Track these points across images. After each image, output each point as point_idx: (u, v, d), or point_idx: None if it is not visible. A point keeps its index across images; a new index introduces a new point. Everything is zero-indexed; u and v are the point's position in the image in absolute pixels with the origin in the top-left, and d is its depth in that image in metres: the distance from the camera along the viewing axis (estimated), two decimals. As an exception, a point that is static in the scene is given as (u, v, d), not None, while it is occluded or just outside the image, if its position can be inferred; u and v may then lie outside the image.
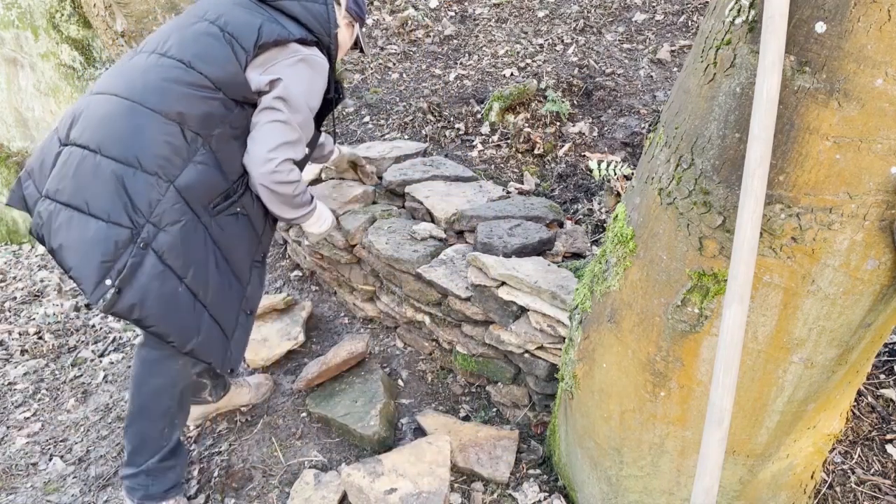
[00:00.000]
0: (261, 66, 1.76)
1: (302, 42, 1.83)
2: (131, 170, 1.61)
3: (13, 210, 5.17)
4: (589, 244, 2.38)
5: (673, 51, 3.72)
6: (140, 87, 1.67)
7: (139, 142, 1.63)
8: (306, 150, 1.92)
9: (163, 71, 1.69)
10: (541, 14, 4.36)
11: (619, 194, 2.70)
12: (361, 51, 2.25)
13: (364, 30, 2.18)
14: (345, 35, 2.07)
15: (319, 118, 2.08)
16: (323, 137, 2.47)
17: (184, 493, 2.03)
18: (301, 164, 1.95)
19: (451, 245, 2.50)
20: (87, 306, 3.65)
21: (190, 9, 1.88)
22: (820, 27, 0.98)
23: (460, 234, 2.55)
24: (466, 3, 4.65)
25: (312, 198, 2.01)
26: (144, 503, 1.94)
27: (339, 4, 1.99)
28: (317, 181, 3.03)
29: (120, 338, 3.20)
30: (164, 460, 1.94)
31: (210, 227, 1.75)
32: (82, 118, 1.69)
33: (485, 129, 3.33)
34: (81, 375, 2.91)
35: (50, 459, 2.39)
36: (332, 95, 2.06)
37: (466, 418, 2.36)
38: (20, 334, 3.37)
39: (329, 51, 1.94)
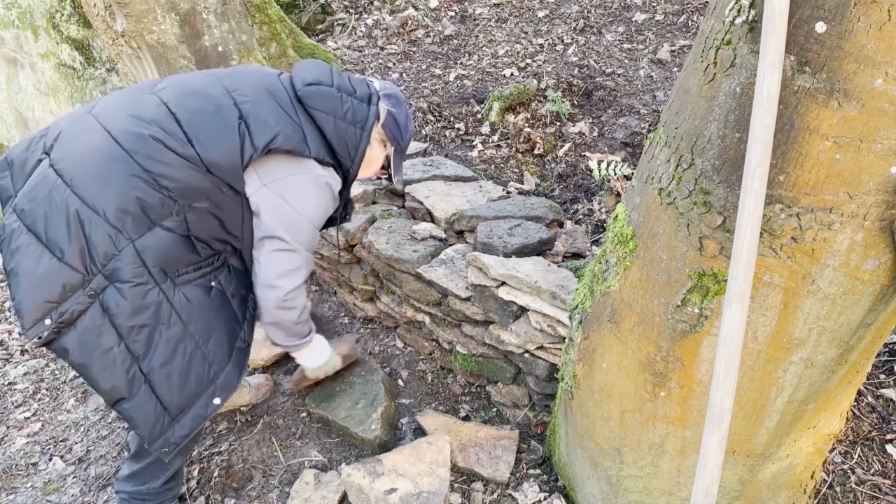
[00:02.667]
0: (265, 174, 1.65)
1: (318, 161, 1.71)
2: (95, 216, 1.51)
3: (13, 210, 5.16)
4: (589, 244, 2.38)
5: (673, 51, 3.72)
6: (131, 135, 1.56)
7: (110, 191, 1.52)
8: (312, 260, 1.83)
9: (160, 132, 1.57)
10: (541, 14, 4.36)
11: (619, 194, 2.70)
12: (389, 178, 2.01)
13: (402, 159, 1.98)
14: (375, 153, 1.90)
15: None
16: None
17: (175, 498, 2.02)
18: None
19: (451, 245, 2.50)
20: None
21: (228, 71, 1.76)
22: (820, 27, 0.98)
23: (460, 234, 2.55)
24: (466, 3, 4.65)
25: (311, 331, 1.94)
26: None
27: (377, 119, 1.83)
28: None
29: (120, 338, 3.19)
30: (167, 482, 1.92)
31: (171, 296, 1.62)
32: (69, 139, 1.60)
33: (485, 129, 3.33)
34: (81, 375, 2.90)
35: (50, 459, 2.39)
36: (339, 213, 1.93)
37: (466, 418, 2.36)
38: (20, 334, 3.37)
39: (348, 172, 1.82)
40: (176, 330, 1.63)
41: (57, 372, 2.97)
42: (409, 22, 4.46)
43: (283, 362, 2.66)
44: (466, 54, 4.08)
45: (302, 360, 2.05)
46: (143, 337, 1.59)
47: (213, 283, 1.71)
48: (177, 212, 1.58)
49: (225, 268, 1.76)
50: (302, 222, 1.70)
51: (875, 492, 1.85)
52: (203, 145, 1.58)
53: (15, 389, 2.85)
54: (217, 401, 1.73)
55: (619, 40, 3.93)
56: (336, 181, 1.76)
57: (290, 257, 1.71)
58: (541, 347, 2.12)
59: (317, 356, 2.08)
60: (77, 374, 2.91)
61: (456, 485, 2.05)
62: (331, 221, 1.93)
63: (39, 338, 1.52)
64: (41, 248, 1.52)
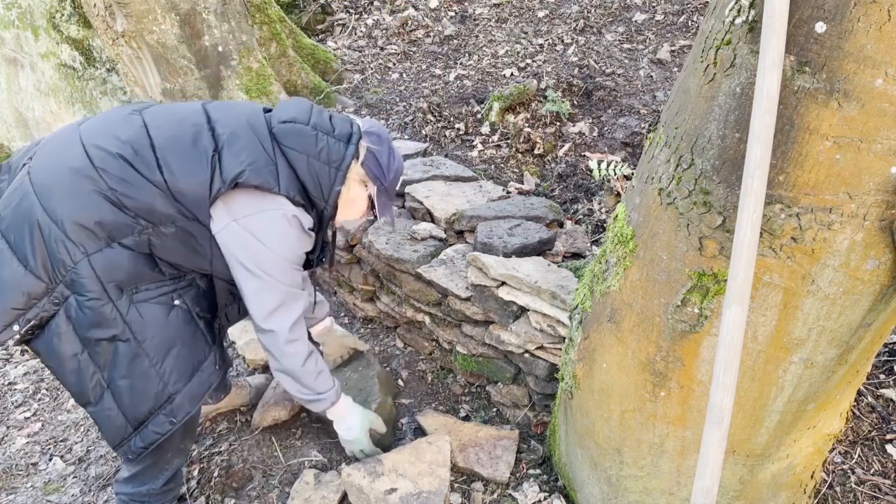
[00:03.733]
0: (235, 209, 1.60)
1: (288, 199, 1.64)
2: (55, 227, 1.52)
3: (13, 210, 5.16)
4: (589, 244, 2.38)
5: (673, 51, 3.72)
6: (102, 152, 1.56)
7: (72, 205, 1.53)
8: (304, 295, 1.77)
9: (131, 152, 1.56)
10: (541, 14, 4.36)
11: (619, 194, 2.70)
12: (375, 217, 1.88)
13: (391, 199, 1.87)
14: (355, 193, 1.80)
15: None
16: (317, 297, 2.23)
17: (175, 499, 2.01)
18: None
19: (451, 245, 2.50)
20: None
21: (220, 103, 1.75)
22: (820, 27, 0.98)
23: (460, 234, 2.55)
24: (466, 3, 4.65)
25: (329, 389, 1.86)
26: None
27: (356, 158, 1.74)
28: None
29: (120, 338, 3.19)
30: (167, 483, 1.90)
31: (125, 312, 1.59)
32: (48, 149, 1.62)
33: (485, 129, 3.33)
34: (81, 375, 2.90)
35: (50, 459, 2.39)
36: (315, 256, 1.85)
37: (466, 418, 2.36)
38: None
39: (322, 213, 1.76)
40: (131, 346, 1.61)
41: (57, 372, 2.97)
42: (409, 22, 4.46)
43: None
44: (466, 54, 4.08)
45: (336, 427, 1.99)
46: (102, 349, 1.59)
47: (176, 302, 1.68)
48: (139, 232, 1.57)
49: (193, 287, 1.72)
50: (276, 259, 1.64)
51: (875, 492, 1.85)
52: (173, 173, 1.56)
53: (15, 389, 2.85)
54: (173, 420, 1.69)
55: (619, 40, 3.93)
56: (306, 219, 1.70)
57: (271, 295, 1.66)
58: (541, 347, 2.12)
59: (346, 427, 1.99)
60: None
61: (456, 485, 2.05)
62: (308, 264, 1.86)
63: (10, 341, 1.55)
64: (10, 255, 1.53)
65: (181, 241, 1.62)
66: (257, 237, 1.61)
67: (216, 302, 1.80)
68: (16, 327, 1.54)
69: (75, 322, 1.56)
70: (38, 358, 1.62)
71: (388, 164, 1.78)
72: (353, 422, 2.01)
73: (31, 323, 1.54)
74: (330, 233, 1.91)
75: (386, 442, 2.23)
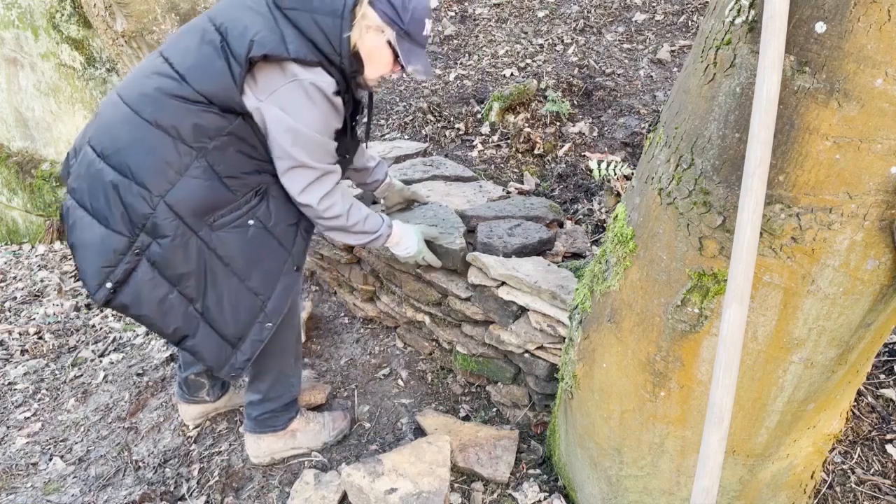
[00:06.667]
0: (258, 90, 1.61)
1: (300, 62, 1.59)
2: (126, 180, 1.62)
3: (13, 210, 5.17)
4: (589, 244, 2.38)
5: (673, 51, 3.72)
6: (137, 95, 1.65)
7: (132, 153, 1.62)
8: (337, 169, 1.79)
9: (159, 80, 1.63)
10: (541, 14, 4.36)
11: (619, 194, 2.70)
12: (403, 70, 1.76)
13: (419, 45, 1.74)
14: (371, 44, 1.68)
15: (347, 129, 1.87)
16: (373, 163, 2.30)
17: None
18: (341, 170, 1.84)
19: (451, 245, 2.49)
20: (88, 306, 3.65)
21: (216, 7, 1.76)
22: (820, 27, 0.98)
23: (460, 234, 2.54)
24: (466, 3, 4.65)
25: (380, 224, 1.94)
26: (274, 430, 2.16)
27: (359, 3, 1.63)
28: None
29: (120, 338, 3.20)
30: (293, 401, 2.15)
31: (210, 242, 1.70)
32: (100, 117, 1.72)
33: (485, 129, 3.33)
34: (81, 375, 2.91)
35: (50, 459, 2.39)
36: (348, 115, 1.80)
37: (466, 418, 2.36)
38: (20, 334, 3.38)
39: (343, 70, 1.68)
40: (219, 271, 1.74)
41: (57, 372, 2.97)
42: (409, 22, 4.45)
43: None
44: (466, 54, 4.09)
45: (394, 250, 2.11)
46: (192, 282, 1.72)
47: (250, 223, 1.75)
48: (196, 157, 1.64)
49: (263, 203, 1.76)
50: (305, 132, 1.65)
51: (875, 492, 1.85)
52: (196, 78, 1.60)
53: (15, 389, 2.85)
54: (269, 325, 1.85)
55: (619, 40, 3.93)
56: (326, 81, 1.63)
57: (303, 173, 1.71)
58: (541, 347, 2.12)
59: (405, 246, 2.09)
60: (77, 375, 2.92)
61: (456, 485, 2.05)
62: (345, 131, 1.83)
63: (105, 300, 1.68)
64: (91, 220, 1.66)
65: (236, 148, 1.67)
66: (285, 110, 1.63)
67: (292, 207, 1.83)
68: (108, 284, 1.66)
69: (161, 265, 1.67)
70: (124, 314, 1.74)
71: (402, 2, 1.65)
72: (408, 242, 2.09)
73: (118, 278, 1.66)
74: (365, 95, 1.92)
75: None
